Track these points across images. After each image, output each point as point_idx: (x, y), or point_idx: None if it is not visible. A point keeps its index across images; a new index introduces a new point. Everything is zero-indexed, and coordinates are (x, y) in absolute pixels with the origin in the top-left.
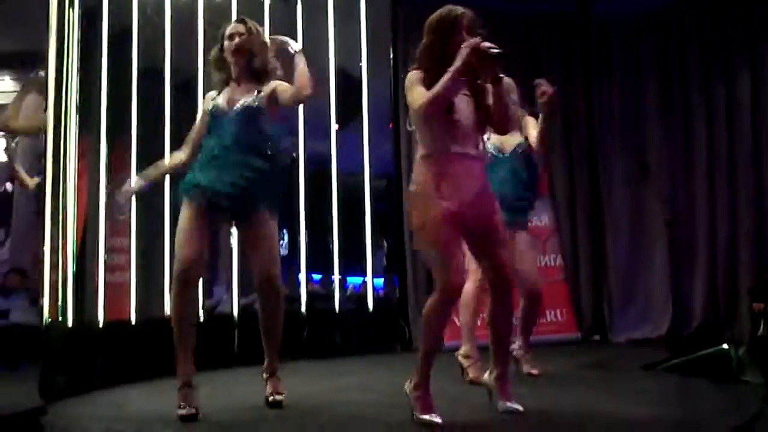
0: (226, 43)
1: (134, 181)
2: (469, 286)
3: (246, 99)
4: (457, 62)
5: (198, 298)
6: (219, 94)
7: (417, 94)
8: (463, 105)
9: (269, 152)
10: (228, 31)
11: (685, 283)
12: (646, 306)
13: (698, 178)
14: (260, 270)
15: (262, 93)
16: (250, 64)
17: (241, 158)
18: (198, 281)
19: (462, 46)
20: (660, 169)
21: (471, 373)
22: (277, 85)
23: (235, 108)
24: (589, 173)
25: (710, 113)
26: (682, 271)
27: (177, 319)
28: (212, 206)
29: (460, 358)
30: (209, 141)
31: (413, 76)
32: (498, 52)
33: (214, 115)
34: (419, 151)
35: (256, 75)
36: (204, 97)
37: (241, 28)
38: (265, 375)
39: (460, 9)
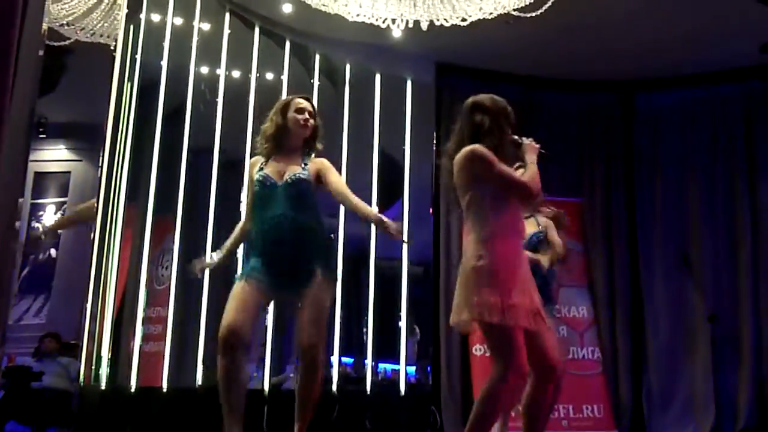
0: (295, 114)
1: (209, 256)
2: None
3: (295, 171)
4: (534, 158)
5: (246, 366)
6: (267, 162)
7: (510, 171)
8: None
9: (318, 220)
10: (297, 104)
11: (730, 379)
12: (688, 403)
13: (743, 272)
14: (302, 337)
15: (308, 167)
16: (307, 141)
17: (294, 226)
18: (243, 347)
19: (529, 144)
20: (703, 263)
21: None
22: (326, 167)
23: (285, 179)
24: (629, 263)
25: (756, 207)
26: (726, 368)
27: (224, 382)
28: (273, 283)
29: None
30: (261, 213)
31: (483, 150)
32: (546, 153)
33: (264, 185)
34: (480, 231)
35: (306, 151)
36: (249, 163)
37: (309, 106)
38: None
39: (504, 101)
